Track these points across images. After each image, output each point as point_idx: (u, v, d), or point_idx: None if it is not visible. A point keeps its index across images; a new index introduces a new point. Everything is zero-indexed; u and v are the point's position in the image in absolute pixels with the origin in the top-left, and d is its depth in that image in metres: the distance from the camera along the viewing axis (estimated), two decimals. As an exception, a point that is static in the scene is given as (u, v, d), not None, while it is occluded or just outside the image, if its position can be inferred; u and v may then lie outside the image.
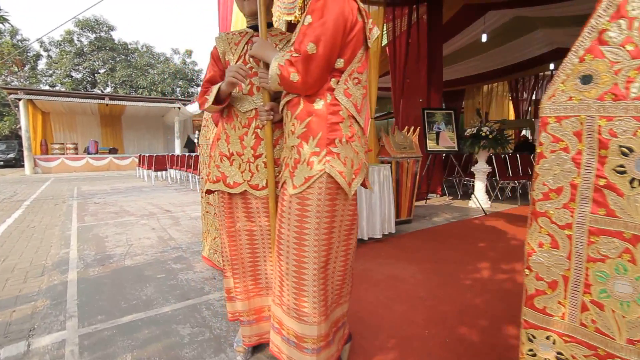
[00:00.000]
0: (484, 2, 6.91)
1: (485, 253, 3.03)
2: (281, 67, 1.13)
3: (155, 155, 9.83)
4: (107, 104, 15.35)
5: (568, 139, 0.75)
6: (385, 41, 6.06)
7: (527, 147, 8.65)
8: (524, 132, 12.02)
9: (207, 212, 2.74)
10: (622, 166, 0.68)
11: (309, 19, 1.10)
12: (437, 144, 5.36)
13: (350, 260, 1.32)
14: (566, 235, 0.76)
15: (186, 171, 8.85)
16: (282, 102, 1.25)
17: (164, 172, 10.60)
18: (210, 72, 1.49)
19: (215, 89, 1.37)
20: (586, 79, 0.70)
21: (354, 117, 1.18)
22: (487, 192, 5.73)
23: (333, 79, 1.14)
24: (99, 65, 24.05)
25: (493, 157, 5.65)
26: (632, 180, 0.67)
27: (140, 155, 11.50)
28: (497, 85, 13.01)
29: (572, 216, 0.75)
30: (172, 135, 17.88)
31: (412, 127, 4.57)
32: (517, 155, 6.51)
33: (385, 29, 5.89)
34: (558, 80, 0.74)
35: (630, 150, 0.66)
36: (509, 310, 1.96)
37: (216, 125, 1.68)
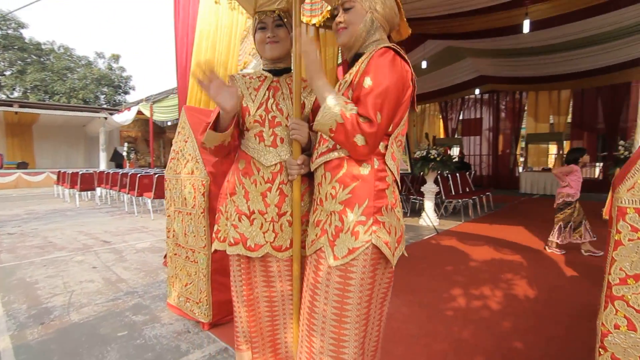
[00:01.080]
0: (425, 32, 7.48)
1: (452, 278, 3.18)
2: (345, 118, 1.01)
3: (80, 172, 8.69)
4: (16, 112, 13.32)
5: None
6: (340, 60, 6.20)
7: (464, 167, 9.43)
8: (454, 149, 13.13)
9: (175, 254, 2.46)
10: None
11: (368, 81, 1.03)
12: (393, 166, 5.57)
13: (383, 328, 1.25)
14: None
15: (119, 191, 8.00)
16: (319, 161, 1.15)
17: (89, 191, 9.44)
18: (215, 111, 1.32)
19: (213, 115, 1.25)
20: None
21: (396, 182, 1.14)
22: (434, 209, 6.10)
23: (381, 144, 1.08)
24: (4, 66, 20.87)
25: (439, 177, 6.04)
26: None
27: (59, 172, 10.11)
28: (429, 105, 14.15)
29: (648, 301, 0.78)
30: (96, 147, 16.13)
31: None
32: (457, 175, 7.06)
33: (340, 50, 6.03)
34: (638, 174, 0.78)
35: None
36: (499, 343, 2.04)
37: (220, 173, 1.50)
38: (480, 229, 5.42)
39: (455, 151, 13.06)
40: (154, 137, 13.91)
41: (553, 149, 12.78)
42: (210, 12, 3.06)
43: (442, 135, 13.99)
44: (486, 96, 12.68)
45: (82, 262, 3.72)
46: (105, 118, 14.92)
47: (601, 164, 11.07)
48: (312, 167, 1.19)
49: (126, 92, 24.76)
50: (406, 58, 1.08)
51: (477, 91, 11.73)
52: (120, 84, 24.10)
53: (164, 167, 18.12)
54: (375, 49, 1.08)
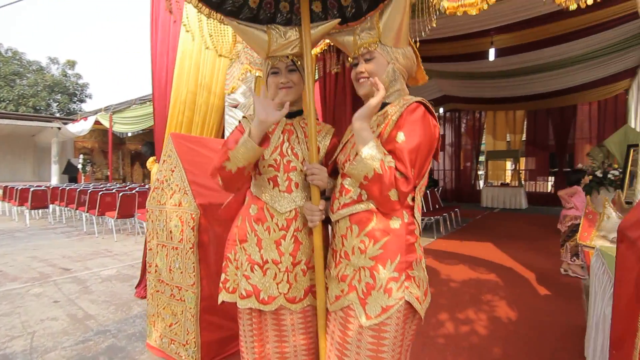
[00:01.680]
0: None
1: (437, 300, 3.23)
2: (384, 170, 0.98)
3: (31, 188, 7.97)
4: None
5: None
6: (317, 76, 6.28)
7: (432, 183, 9.78)
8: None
9: (158, 291, 2.29)
10: None
11: (402, 137, 1.01)
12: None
13: None
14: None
15: (77, 209, 7.42)
16: (343, 212, 1.11)
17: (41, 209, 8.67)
18: (233, 144, 1.21)
19: (245, 132, 1.15)
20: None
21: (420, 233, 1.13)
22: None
23: (409, 196, 1.07)
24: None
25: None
26: None
27: (5, 187, 9.23)
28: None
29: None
30: (47, 158, 14.96)
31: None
32: (428, 192, 7.29)
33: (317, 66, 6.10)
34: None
35: None
36: (493, 373, 2.08)
37: (227, 218, 1.41)
38: (453, 246, 5.60)
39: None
40: (112, 148, 13.15)
41: (509, 164, 13.67)
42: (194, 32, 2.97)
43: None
44: (449, 114, 13.33)
45: (41, 296, 3.37)
46: (59, 128, 13.91)
47: (552, 179, 11.97)
48: (334, 217, 1.14)
49: (82, 101, 23.32)
50: (434, 112, 1.09)
51: (441, 110, 12.28)
52: (76, 92, 22.67)
53: (123, 180, 17.16)
54: (405, 103, 1.07)
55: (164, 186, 2.25)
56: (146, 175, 17.53)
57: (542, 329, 2.66)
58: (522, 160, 12.44)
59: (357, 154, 1.03)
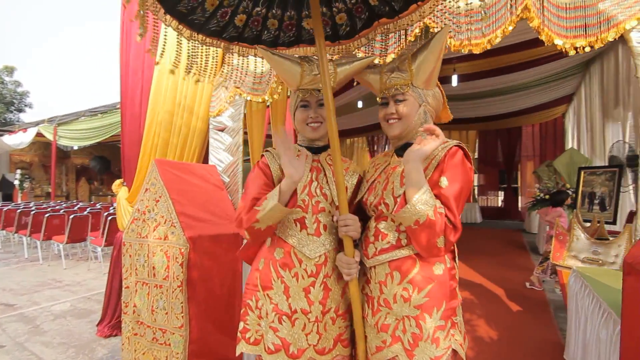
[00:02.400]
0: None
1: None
2: (437, 217, 0.95)
3: (-42, 210, 7.00)
4: None
5: None
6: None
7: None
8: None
9: (136, 334, 2.06)
10: None
11: (445, 182, 1.00)
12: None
13: None
14: None
15: (16, 232, 6.62)
16: (381, 258, 1.06)
17: (-30, 233, 7.63)
18: (259, 189, 1.16)
19: (277, 188, 1.08)
20: None
21: None
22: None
23: None
24: None
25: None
26: None
27: None
28: (358, 139, 15.02)
29: None
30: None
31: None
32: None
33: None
34: None
35: None
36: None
37: (246, 260, 1.30)
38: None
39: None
40: (55, 162, 12.04)
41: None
42: (173, 48, 2.81)
43: (370, 167, 14.82)
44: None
45: (-20, 341, 2.91)
46: (-7, 140, 12.51)
47: (502, 194, 12.89)
48: (370, 263, 1.10)
49: (20, 110, 21.24)
50: (469, 155, 1.10)
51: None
52: (14, 100, 20.64)
53: (67, 197, 15.68)
54: (446, 146, 1.06)
55: (146, 217, 2.06)
56: (93, 191, 16.23)
57: (519, 347, 2.77)
58: (475, 177, 13.28)
59: (402, 195, 1.00)
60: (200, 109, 2.70)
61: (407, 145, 1.15)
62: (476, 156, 13.29)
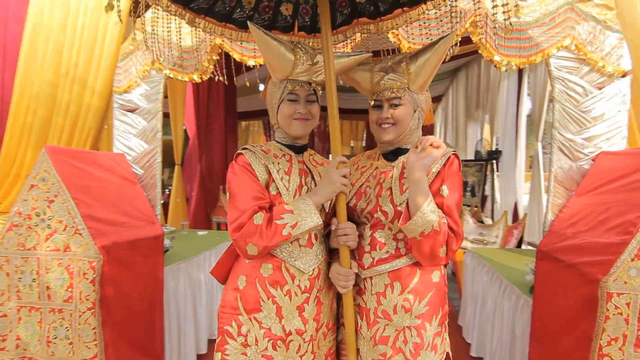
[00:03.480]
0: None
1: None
2: (441, 227, 0.93)
3: None
4: None
5: (623, 307, 1.14)
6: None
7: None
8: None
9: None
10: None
11: (446, 191, 0.99)
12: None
13: None
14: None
15: None
16: (380, 268, 1.02)
17: None
18: (256, 192, 1.01)
19: (308, 202, 0.99)
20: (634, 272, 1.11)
21: None
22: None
23: None
24: None
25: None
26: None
27: None
28: (254, 122, 14.60)
29: (623, 355, 1.14)
30: None
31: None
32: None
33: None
34: (618, 270, 1.12)
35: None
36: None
37: (219, 278, 1.09)
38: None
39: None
40: None
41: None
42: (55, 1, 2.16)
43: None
44: (304, 119, 14.25)
45: None
46: None
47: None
48: (366, 274, 1.05)
49: None
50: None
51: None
52: None
53: None
54: (444, 154, 1.05)
55: (33, 223, 1.57)
56: None
57: None
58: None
59: (405, 204, 0.99)
60: (98, 82, 2.16)
61: (399, 150, 1.13)
62: (364, 144, 14.48)
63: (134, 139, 2.05)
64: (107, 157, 1.95)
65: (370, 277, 1.05)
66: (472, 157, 6.12)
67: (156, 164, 2.05)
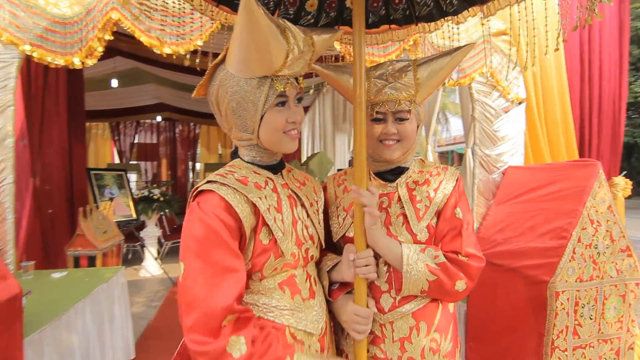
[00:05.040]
0: (116, 47, 6.53)
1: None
2: (436, 273, 0.85)
3: None
4: None
5: (566, 303, 1.32)
6: None
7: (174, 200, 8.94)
8: (133, 175, 12.01)
9: None
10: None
11: (460, 213, 0.92)
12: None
13: None
14: (564, 355, 1.32)
15: None
16: (403, 310, 0.87)
17: None
18: (228, 257, 0.71)
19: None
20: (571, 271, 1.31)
21: None
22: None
23: None
24: None
25: (164, 217, 5.49)
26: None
27: None
28: (97, 124, 12.05)
29: (567, 344, 1.33)
30: None
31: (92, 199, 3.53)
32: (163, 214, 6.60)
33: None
34: (563, 271, 1.30)
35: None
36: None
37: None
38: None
39: (133, 178, 11.98)
40: None
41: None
42: None
43: (116, 160, 12.50)
44: (163, 123, 12.73)
45: None
46: None
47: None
48: (386, 318, 0.88)
49: None
50: None
51: (159, 117, 11.54)
52: None
53: None
54: (453, 175, 0.99)
55: None
56: None
57: None
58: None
59: (427, 227, 0.90)
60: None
61: (400, 169, 1.01)
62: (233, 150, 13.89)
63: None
64: None
65: (391, 322, 0.90)
66: (347, 167, 6.67)
67: (5, 185, 1.36)
